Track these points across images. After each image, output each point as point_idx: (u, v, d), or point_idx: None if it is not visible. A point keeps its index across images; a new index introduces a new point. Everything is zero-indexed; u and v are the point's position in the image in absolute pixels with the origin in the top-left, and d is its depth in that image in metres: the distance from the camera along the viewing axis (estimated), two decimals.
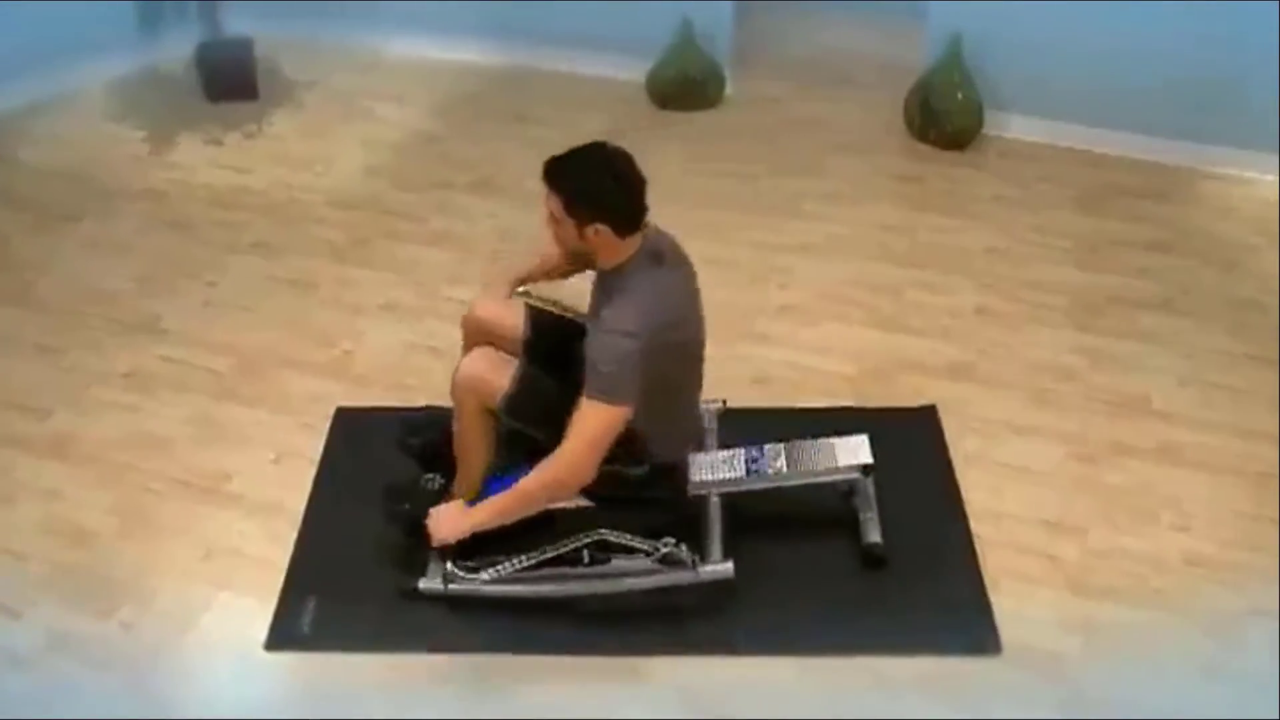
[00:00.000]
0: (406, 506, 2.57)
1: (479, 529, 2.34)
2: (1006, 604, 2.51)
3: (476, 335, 2.55)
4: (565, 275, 2.59)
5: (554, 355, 2.46)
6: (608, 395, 2.17)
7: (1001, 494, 2.81)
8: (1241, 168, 4.13)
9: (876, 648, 2.42)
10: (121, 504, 2.79)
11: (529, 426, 2.39)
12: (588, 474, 2.23)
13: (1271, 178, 4.08)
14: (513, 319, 2.54)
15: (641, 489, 2.46)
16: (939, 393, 3.10)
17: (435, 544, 2.39)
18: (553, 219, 2.24)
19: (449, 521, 2.38)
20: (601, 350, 2.18)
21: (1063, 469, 2.89)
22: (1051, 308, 3.48)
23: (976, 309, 3.43)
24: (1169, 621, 2.50)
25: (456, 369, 2.42)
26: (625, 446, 2.29)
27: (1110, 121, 4.23)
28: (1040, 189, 4.10)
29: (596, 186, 2.17)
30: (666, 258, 2.31)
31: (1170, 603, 2.54)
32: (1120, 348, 3.31)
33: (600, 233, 2.19)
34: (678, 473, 2.52)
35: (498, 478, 2.45)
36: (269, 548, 2.67)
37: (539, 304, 2.64)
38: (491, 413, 2.40)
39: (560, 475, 2.22)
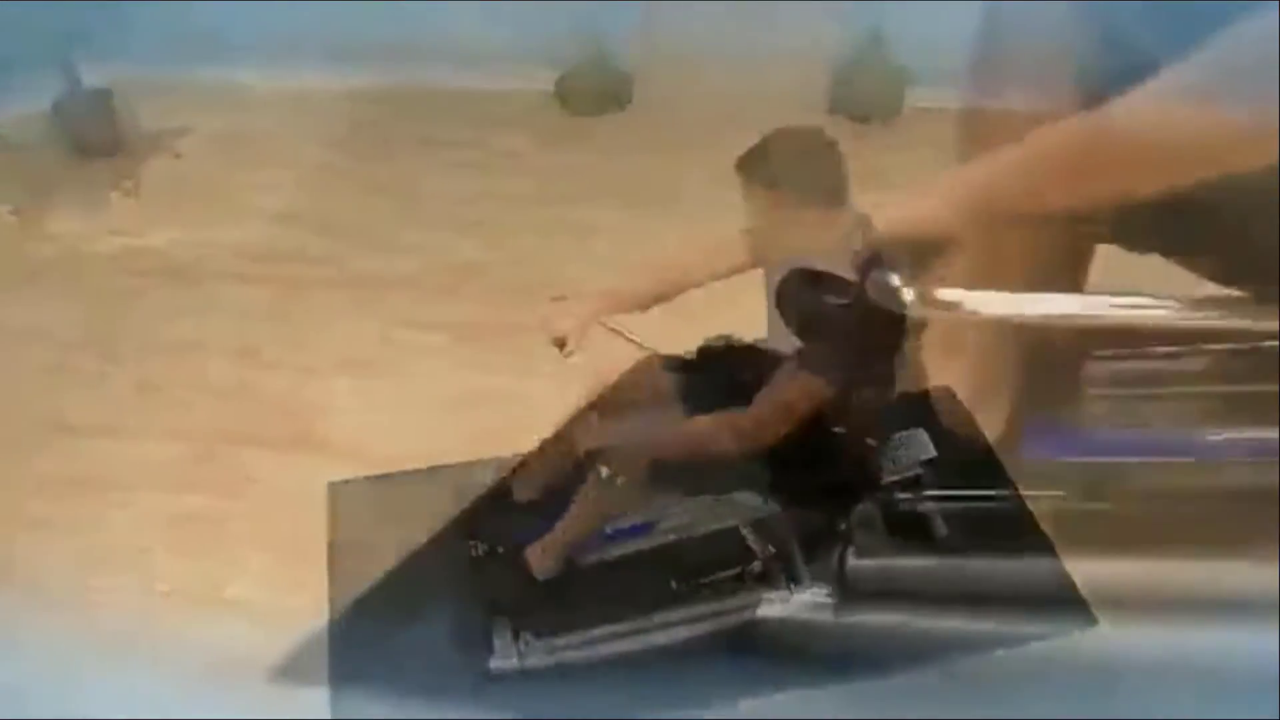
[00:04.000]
0: None
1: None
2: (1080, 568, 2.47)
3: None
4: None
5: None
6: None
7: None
8: None
9: (983, 646, 2.34)
10: (99, 636, 2.41)
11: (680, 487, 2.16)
12: None
13: None
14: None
15: None
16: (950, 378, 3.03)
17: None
18: (755, 215, 2.01)
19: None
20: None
21: None
22: None
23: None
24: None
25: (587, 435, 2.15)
26: None
27: None
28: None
29: (804, 170, 1.96)
30: None
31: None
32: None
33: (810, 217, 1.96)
34: None
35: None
36: (295, 656, 2.34)
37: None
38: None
39: None
